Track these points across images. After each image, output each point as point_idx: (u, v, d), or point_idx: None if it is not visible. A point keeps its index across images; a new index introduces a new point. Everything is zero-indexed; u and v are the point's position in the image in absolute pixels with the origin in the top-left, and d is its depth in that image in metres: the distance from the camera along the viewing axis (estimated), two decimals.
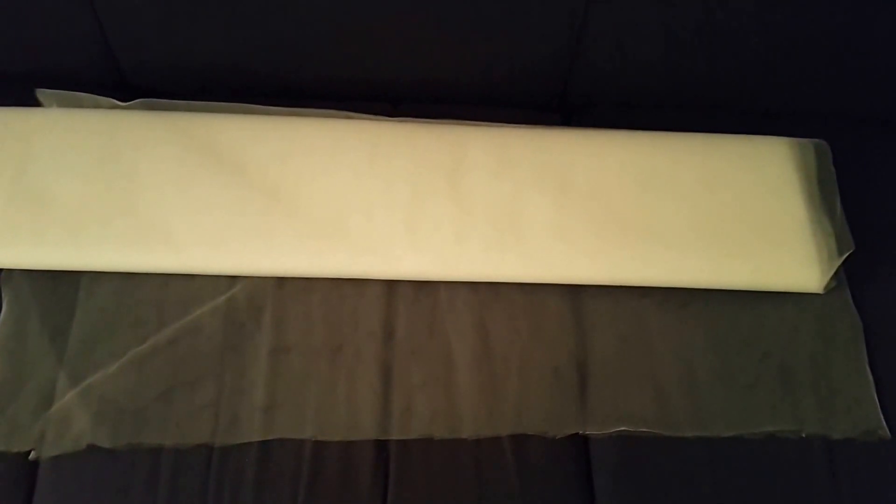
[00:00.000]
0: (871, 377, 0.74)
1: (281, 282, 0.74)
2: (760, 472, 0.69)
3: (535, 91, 0.88)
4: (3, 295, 0.72)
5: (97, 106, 0.81)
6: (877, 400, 0.73)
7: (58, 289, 0.73)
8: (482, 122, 0.82)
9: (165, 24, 0.79)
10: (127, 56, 0.83)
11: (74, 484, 0.66)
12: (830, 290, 0.76)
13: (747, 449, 0.70)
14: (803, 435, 0.71)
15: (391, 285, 0.75)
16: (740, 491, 0.69)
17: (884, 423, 0.72)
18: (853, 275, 0.78)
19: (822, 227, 0.77)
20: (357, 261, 0.74)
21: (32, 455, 0.66)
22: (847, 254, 0.75)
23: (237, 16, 0.78)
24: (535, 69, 0.85)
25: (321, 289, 0.74)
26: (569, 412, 0.71)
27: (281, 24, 0.78)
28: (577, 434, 0.71)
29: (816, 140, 0.83)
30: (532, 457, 0.70)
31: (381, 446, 0.69)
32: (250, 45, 0.81)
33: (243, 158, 0.77)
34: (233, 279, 0.74)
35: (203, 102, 0.81)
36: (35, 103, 0.80)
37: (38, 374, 0.69)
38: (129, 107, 0.81)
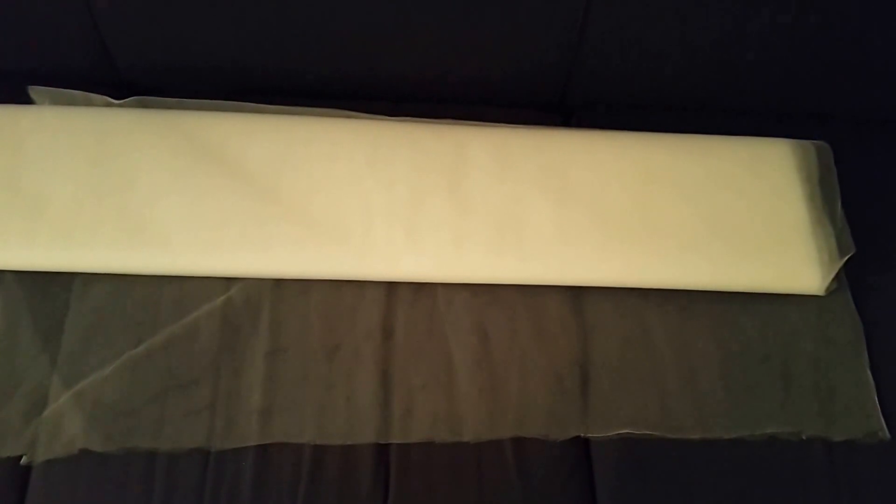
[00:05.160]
0: (871, 379, 0.73)
1: (278, 283, 0.73)
2: (761, 474, 0.69)
3: (536, 91, 0.88)
4: None
5: (90, 103, 0.80)
6: (877, 402, 0.73)
7: (50, 290, 0.71)
8: (482, 122, 0.82)
9: (161, 20, 0.78)
10: (122, 53, 0.81)
11: (67, 489, 0.65)
12: (831, 291, 0.76)
13: (748, 451, 0.70)
14: (804, 437, 0.71)
15: (390, 286, 0.74)
16: (741, 493, 0.69)
17: (884, 424, 0.72)
18: (854, 277, 0.77)
19: (824, 229, 0.77)
20: (356, 263, 0.73)
21: (24, 460, 0.65)
22: (848, 256, 0.75)
23: (234, 12, 0.77)
24: (535, 69, 0.84)
25: (319, 290, 0.73)
26: (570, 415, 0.71)
27: (279, 22, 0.77)
28: (578, 437, 0.70)
29: (818, 141, 0.83)
30: (533, 460, 0.69)
31: (381, 450, 0.68)
32: (247, 42, 0.80)
33: (240, 158, 0.76)
34: (229, 281, 0.73)
35: (198, 100, 0.80)
36: (27, 101, 0.79)
37: (31, 377, 0.68)
38: (123, 104, 0.80)
